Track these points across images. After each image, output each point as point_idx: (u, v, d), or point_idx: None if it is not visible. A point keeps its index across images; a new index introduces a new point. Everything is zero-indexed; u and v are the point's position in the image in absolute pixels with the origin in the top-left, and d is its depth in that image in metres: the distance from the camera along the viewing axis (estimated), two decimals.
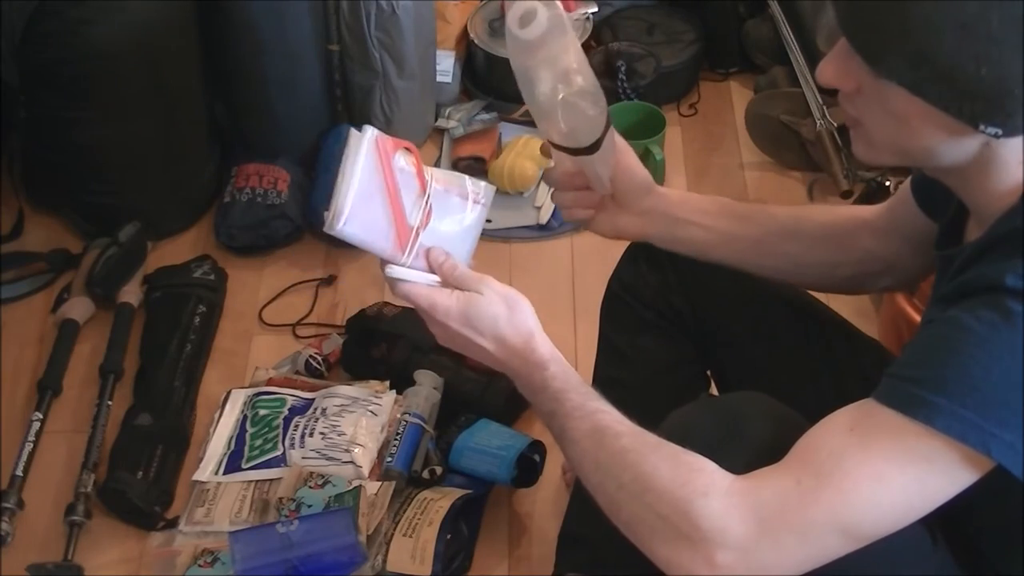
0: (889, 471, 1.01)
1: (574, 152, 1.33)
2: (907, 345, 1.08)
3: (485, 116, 2.40)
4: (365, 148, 1.19)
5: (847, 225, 1.43)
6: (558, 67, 1.25)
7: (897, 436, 1.01)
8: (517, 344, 1.22)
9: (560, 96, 1.25)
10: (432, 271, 1.24)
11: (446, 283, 1.24)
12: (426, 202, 1.24)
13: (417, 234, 1.23)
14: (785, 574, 1.05)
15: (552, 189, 1.46)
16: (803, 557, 1.04)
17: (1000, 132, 1.00)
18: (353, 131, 1.21)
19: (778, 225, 1.43)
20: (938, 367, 1.00)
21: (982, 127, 1.00)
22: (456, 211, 1.28)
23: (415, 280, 1.23)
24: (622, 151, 1.40)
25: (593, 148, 1.32)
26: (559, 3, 1.24)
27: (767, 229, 1.43)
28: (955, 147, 1.04)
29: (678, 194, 1.46)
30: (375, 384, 1.89)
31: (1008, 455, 0.99)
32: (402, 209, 1.21)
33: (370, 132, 1.20)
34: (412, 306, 1.24)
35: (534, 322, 1.23)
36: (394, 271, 1.22)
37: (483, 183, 1.31)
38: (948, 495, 1.02)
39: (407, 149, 1.24)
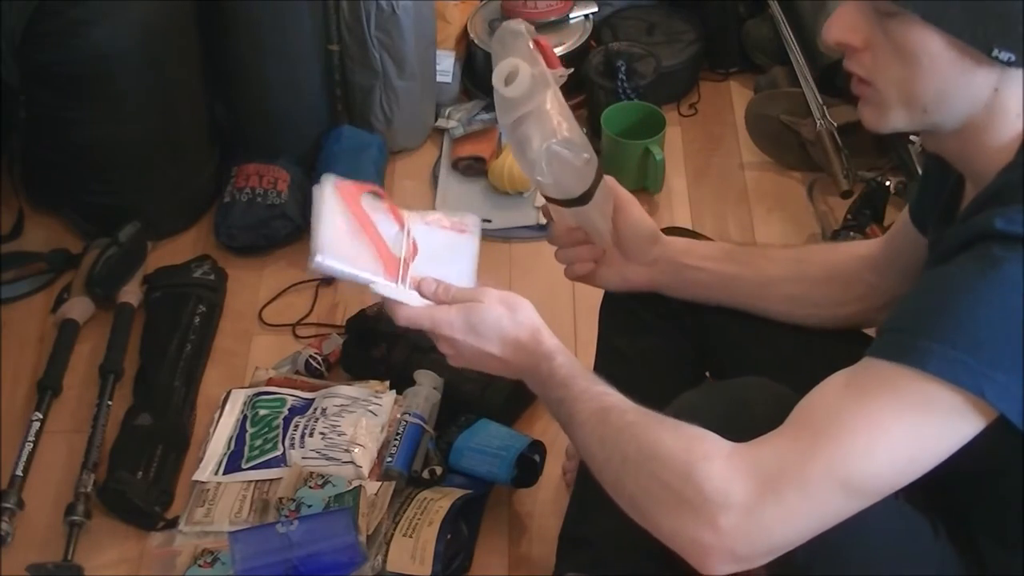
0: (885, 419, 1.01)
1: (567, 203, 1.36)
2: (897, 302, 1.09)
3: (485, 116, 2.40)
4: (327, 193, 1.26)
5: (848, 264, 1.45)
6: (543, 120, 1.28)
7: (890, 384, 1.01)
8: (524, 339, 1.25)
9: (545, 146, 1.28)
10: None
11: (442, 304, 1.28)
12: (407, 235, 1.29)
13: (406, 264, 1.27)
14: (790, 535, 1.05)
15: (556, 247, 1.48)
16: (806, 516, 1.04)
17: (1013, 57, 1.01)
18: (315, 186, 1.27)
19: (780, 268, 1.46)
20: (926, 314, 1.01)
21: (996, 51, 1.01)
22: (450, 245, 1.32)
23: (405, 300, 1.27)
24: (627, 203, 1.44)
25: (585, 198, 1.35)
26: (541, 61, 1.29)
27: (769, 273, 1.46)
28: (966, 89, 1.05)
29: (683, 242, 1.49)
30: (375, 384, 1.89)
31: (1003, 398, 0.98)
32: (384, 242, 1.26)
33: (328, 180, 1.27)
34: (418, 329, 1.28)
35: (538, 319, 1.26)
36: (382, 288, 1.25)
37: (470, 215, 1.36)
38: (948, 446, 1.02)
39: (374, 193, 1.29)
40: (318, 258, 1.21)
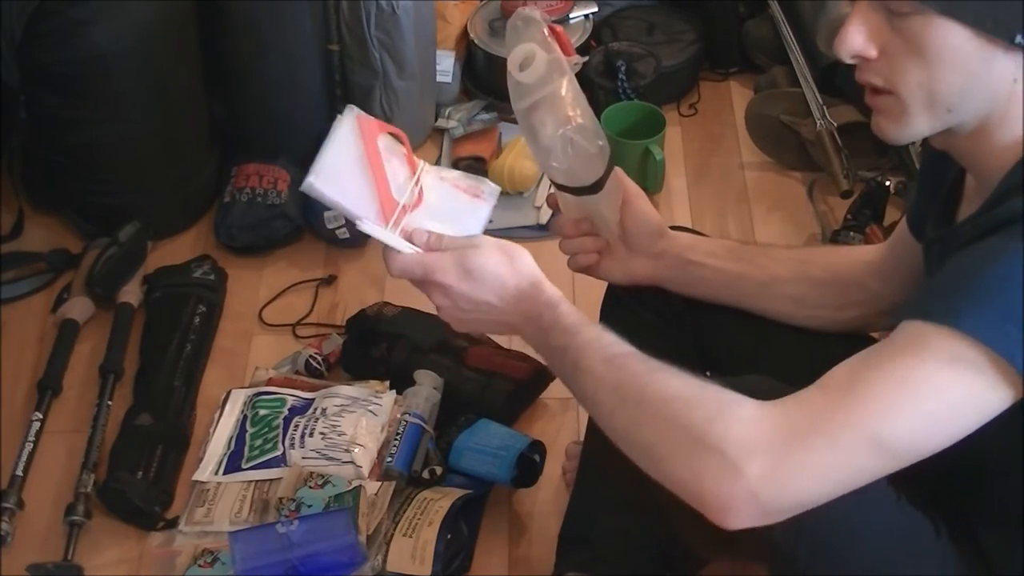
0: (914, 375, 1.00)
1: (578, 192, 1.35)
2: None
3: (485, 116, 2.40)
4: (345, 122, 1.24)
5: (851, 268, 1.44)
6: (557, 107, 1.28)
7: (922, 341, 1.00)
8: (523, 286, 1.22)
9: (560, 132, 1.28)
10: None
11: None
12: (415, 183, 1.25)
13: (404, 211, 1.24)
14: (816, 488, 1.03)
15: (560, 238, 1.47)
16: (834, 468, 1.02)
17: None
18: (338, 115, 1.26)
19: (783, 268, 1.46)
20: (960, 280, 1.00)
21: (1019, 38, 1.00)
22: (459, 207, 1.29)
23: (393, 245, 1.24)
24: (635, 196, 1.44)
25: (597, 187, 1.35)
26: (556, 48, 1.28)
27: (773, 272, 1.45)
28: (988, 82, 1.04)
29: (688, 237, 1.49)
30: (375, 384, 1.89)
31: None
32: (387, 183, 1.23)
33: (351, 111, 1.25)
34: (410, 279, 1.25)
35: (537, 268, 1.24)
36: (368, 227, 1.23)
37: (489, 182, 1.33)
38: (976, 413, 1.00)
39: (395, 135, 1.27)
40: (311, 178, 1.20)
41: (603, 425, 1.15)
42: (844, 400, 1.01)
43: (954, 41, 1.02)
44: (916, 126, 1.08)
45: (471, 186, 1.31)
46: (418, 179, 1.26)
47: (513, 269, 1.22)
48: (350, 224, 2.13)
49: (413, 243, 1.25)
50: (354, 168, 1.23)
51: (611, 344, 1.17)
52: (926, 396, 1.00)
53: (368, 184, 1.23)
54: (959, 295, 0.99)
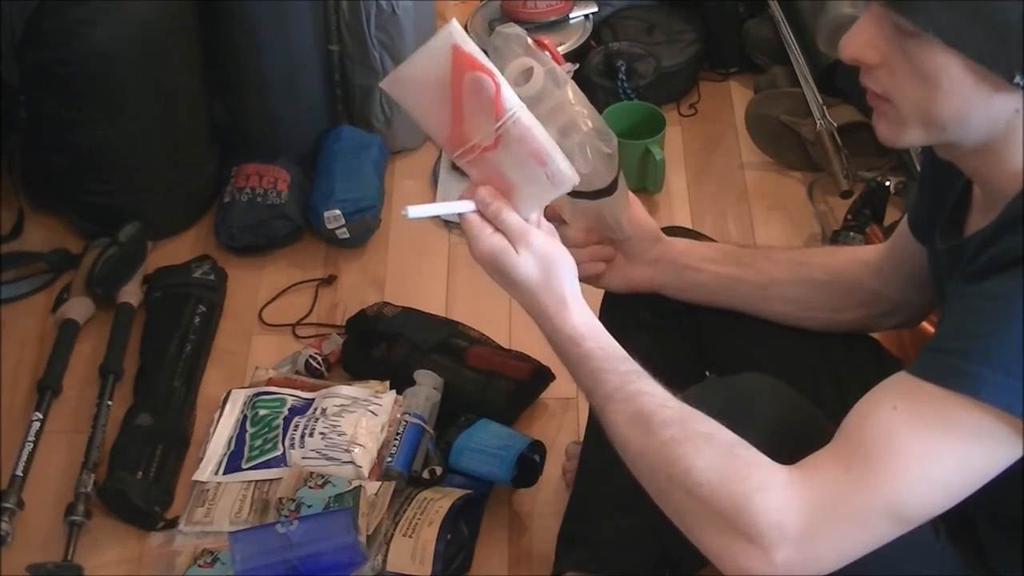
0: (937, 449, 1.01)
1: (596, 195, 1.34)
2: (943, 319, 1.08)
3: None
4: (439, 46, 1.16)
5: (851, 269, 1.44)
6: (567, 114, 1.27)
7: (943, 412, 1.00)
8: (548, 306, 1.18)
9: (577, 140, 1.27)
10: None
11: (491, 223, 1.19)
12: (498, 129, 1.17)
13: (474, 150, 1.18)
14: (839, 562, 1.05)
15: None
16: (855, 545, 1.04)
17: None
18: (447, 25, 1.17)
19: (781, 270, 1.46)
20: (979, 337, 1.00)
21: (1018, 79, 1.00)
22: (528, 174, 1.19)
23: (437, 213, 1.19)
24: (630, 202, 1.43)
25: (612, 187, 1.34)
26: (548, 58, 1.26)
27: (771, 275, 1.45)
28: (986, 112, 1.03)
29: (684, 242, 1.49)
30: (375, 384, 1.89)
31: None
32: (462, 118, 1.18)
33: (450, 36, 1.16)
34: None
35: (570, 289, 1.19)
36: (412, 210, 1.19)
37: (567, 169, 1.19)
38: (997, 469, 1.02)
39: (490, 77, 1.17)
40: (384, 82, 1.14)
41: (635, 474, 1.14)
42: (868, 480, 1.02)
43: (954, 72, 1.01)
44: (911, 137, 1.08)
45: (545, 167, 1.18)
46: (500, 128, 1.17)
47: (545, 287, 1.18)
48: (350, 224, 2.15)
49: (476, 196, 1.19)
50: (433, 89, 1.17)
51: (636, 396, 1.13)
52: (949, 469, 1.01)
53: (444, 108, 1.17)
54: (979, 359, 0.99)
